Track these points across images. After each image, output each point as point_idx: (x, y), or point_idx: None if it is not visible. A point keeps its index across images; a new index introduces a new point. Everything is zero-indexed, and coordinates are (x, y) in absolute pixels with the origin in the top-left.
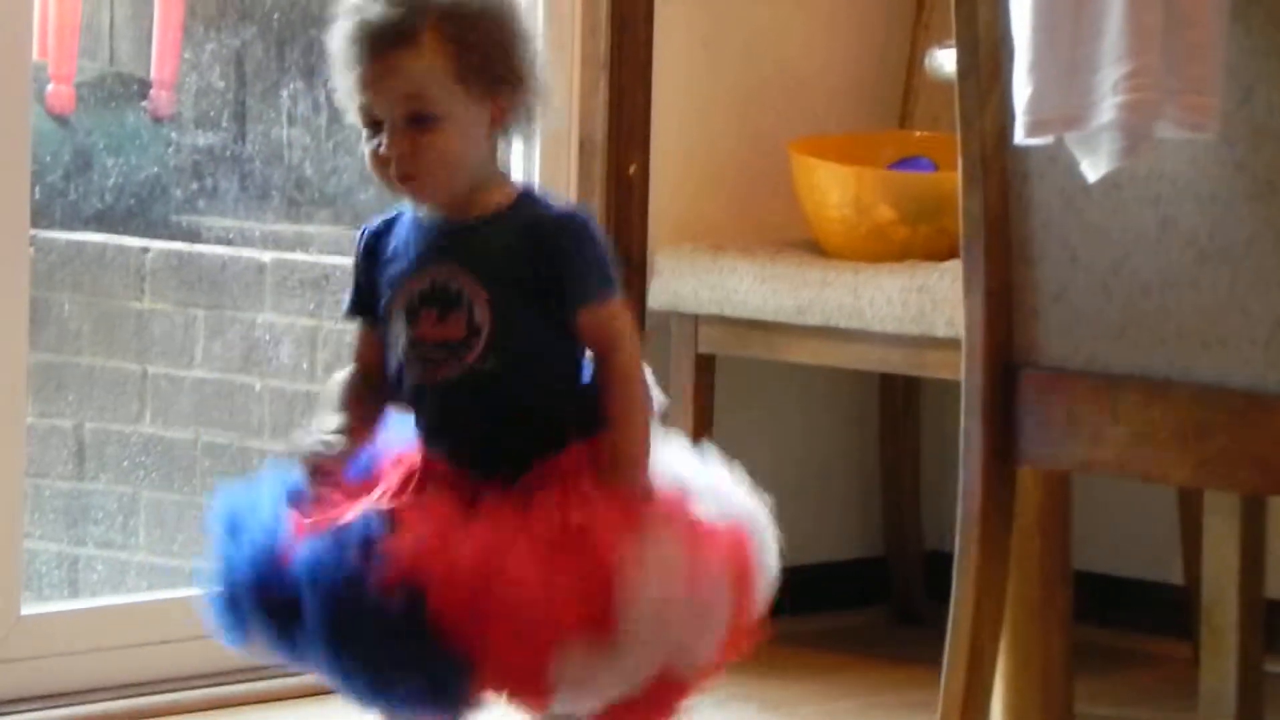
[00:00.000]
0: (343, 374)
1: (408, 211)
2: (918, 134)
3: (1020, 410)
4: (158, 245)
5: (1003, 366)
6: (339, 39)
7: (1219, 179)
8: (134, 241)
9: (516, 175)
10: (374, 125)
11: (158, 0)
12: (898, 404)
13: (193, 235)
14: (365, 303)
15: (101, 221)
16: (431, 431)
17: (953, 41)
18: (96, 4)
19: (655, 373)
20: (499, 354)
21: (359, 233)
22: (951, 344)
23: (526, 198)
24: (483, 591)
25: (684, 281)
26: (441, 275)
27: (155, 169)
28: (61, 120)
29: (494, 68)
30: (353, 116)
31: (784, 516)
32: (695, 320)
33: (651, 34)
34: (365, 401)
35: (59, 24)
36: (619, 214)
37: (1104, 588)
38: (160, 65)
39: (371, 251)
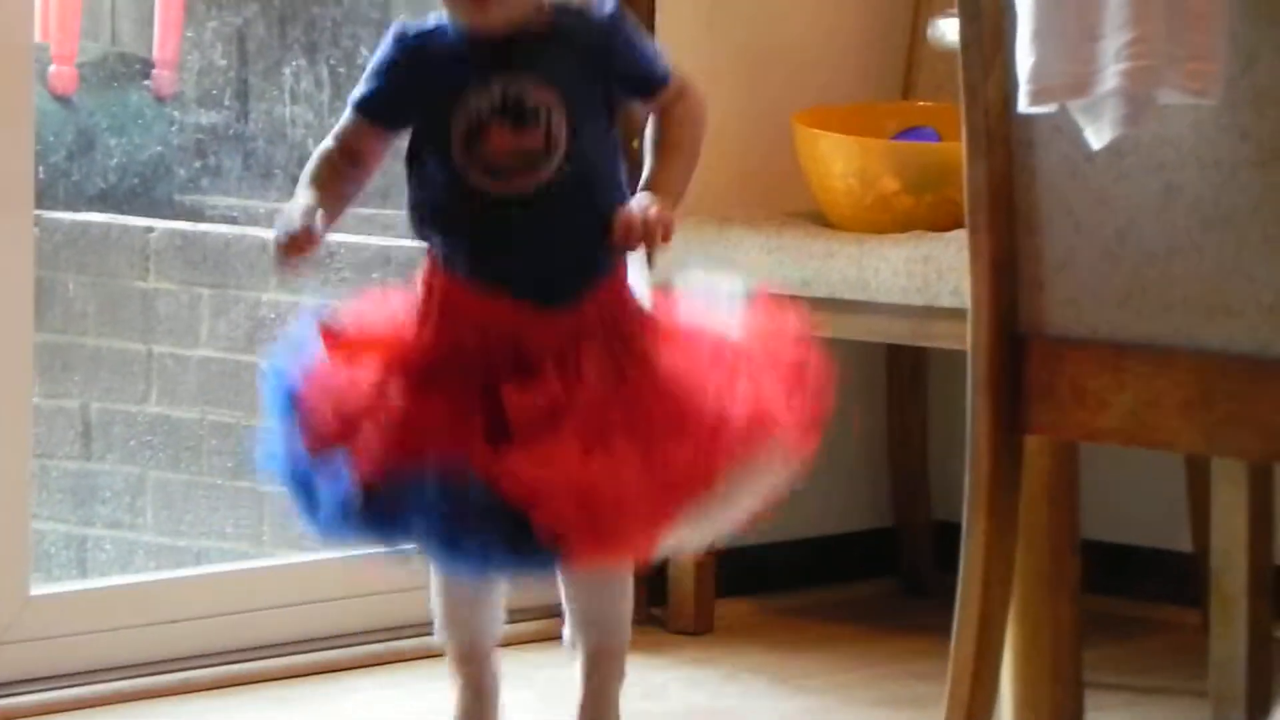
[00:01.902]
0: (323, 149)
1: (447, 26)
2: (921, 104)
3: (1026, 380)
4: (162, 225)
5: (1008, 336)
6: None
7: (1223, 145)
8: (138, 221)
9: None
10: None
11: None
12: (904, 375)
13: (196, 214)
14: (384, 109)
15: (105, 201)
16: (488, 250)
17: (955, 10)
18: None
19: None
20: (574, 165)
21: (396, 33)
22: (957, 314)
23: (561, 7)
24: (593, 516)
25: (689, 255)
26: (514, 87)
27: (158, 148)
28: (64, 101)
29: None
30: None
31: (792, 489)
32: None
33: (653, 6)
34: (343, 179)
35: (60, 5)
36: None
37: (1112, 556)
38: (162, 45)
39: (414, 61)
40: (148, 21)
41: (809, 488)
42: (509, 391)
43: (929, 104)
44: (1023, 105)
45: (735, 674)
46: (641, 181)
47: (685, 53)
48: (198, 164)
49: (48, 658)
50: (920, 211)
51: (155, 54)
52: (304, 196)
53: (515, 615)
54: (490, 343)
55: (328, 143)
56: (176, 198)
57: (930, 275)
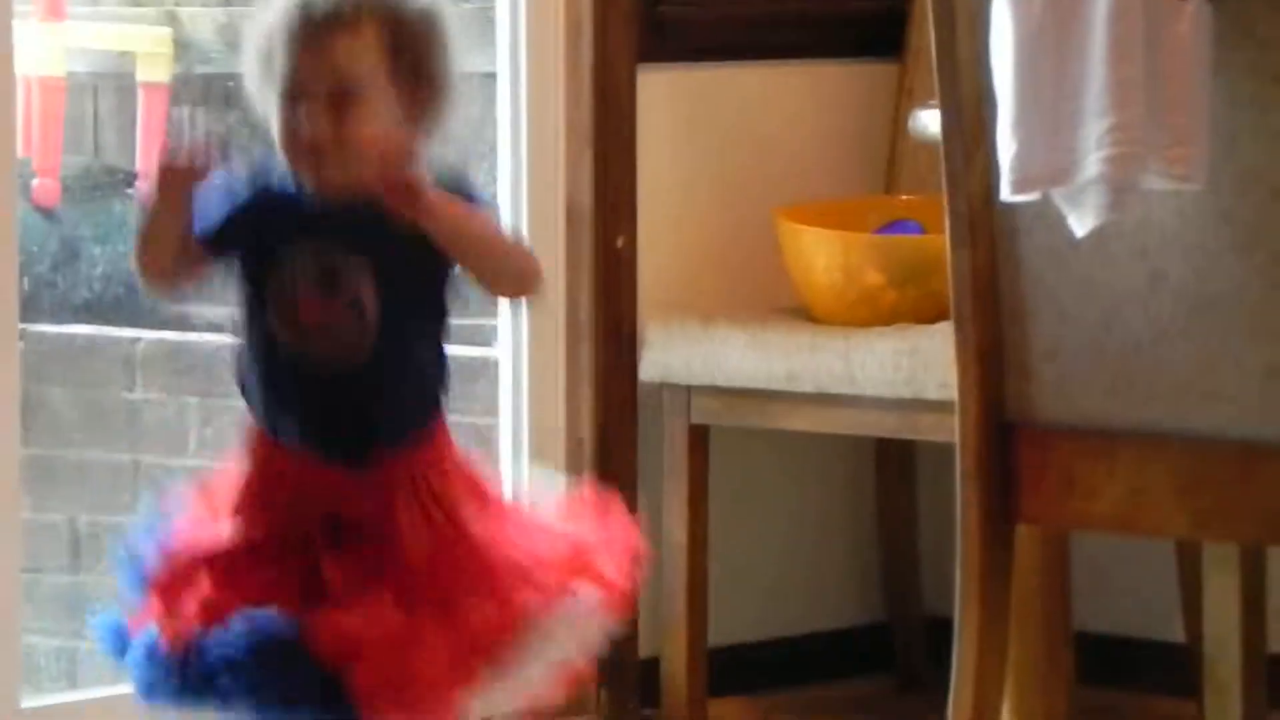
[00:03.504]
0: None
1: (287, 181)
2: (904, 198)
3: (1016, 469)
4: (148, 335)
5: (997, 426)
6: (277, 21)
7: (1206, 230)
8: (124, 332)
9: None
10: (294, 102)
11: (141, 90)
12: (893, 468)
13: (182, 323)
14: (226, 237)
15: (91, 311)
16: (302, 415)
17: (936, 102)
18: (80, 96)
19: (649, 445)
20: (384, 339)
21: (253, 173)
22: (945, 406)
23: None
24: (399, 684)
25: (675, 352)
26: (327, 255)
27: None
28: (47, 213)
29: (420, 75)
30: (266, 100)
31: (783, 585)
32: (688, 391)
33: (635, 104)
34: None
35: (42, 118)
36: (608, 286)
37: (1106, 648)
38: (146, 156)
39: (260, 205)
40: (130, 132)
41: (800, 584)
42: (327, 561)
43: (912, 197)
44: (1005, 194)
45: None
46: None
47: (666, 148)
48: None
49: None
50: (905, 305)
51: (139, 165)
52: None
53: None
54: (308, 511)
55: None
56: (162, 307)
57: (917, 368)
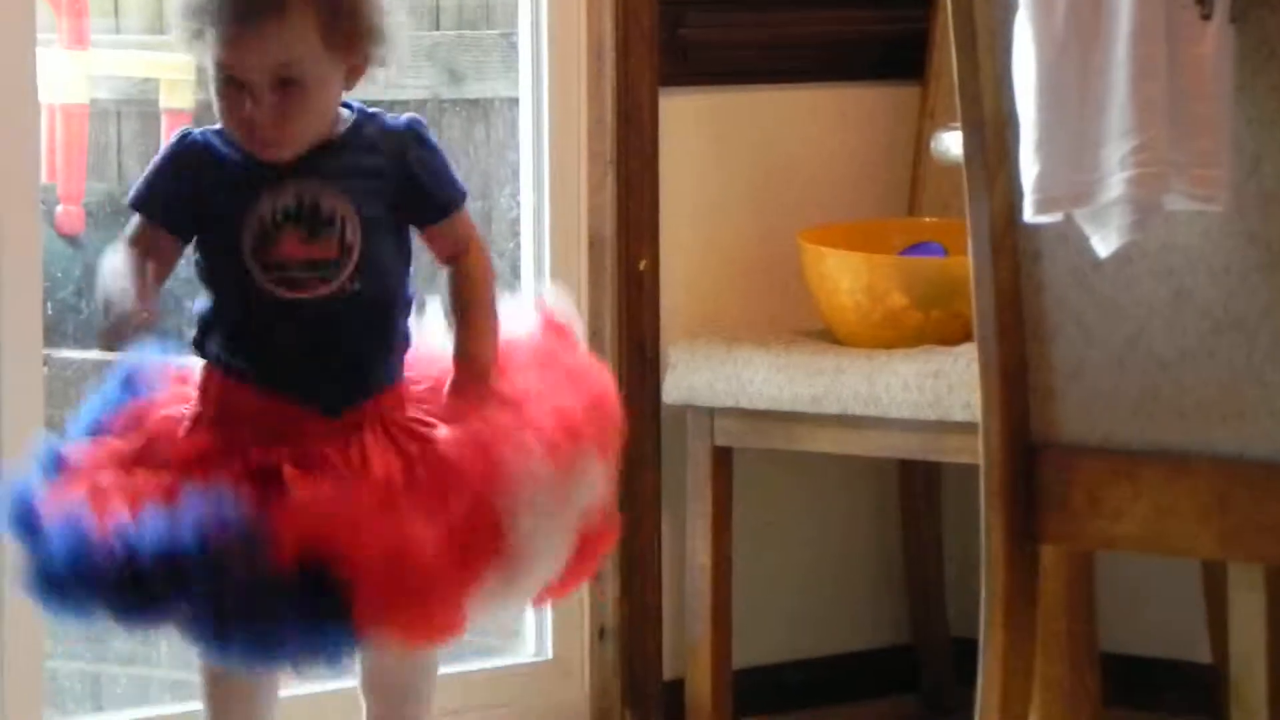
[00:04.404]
0: (132, 231)
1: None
2: (927, 220)
3: (1040, 490)
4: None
5: (1021, 446)
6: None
7: (1231, 250)
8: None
9: (527, 274)
10: (234, 88)
11: (165, 117)
12: (918, 490)
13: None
14: (160, 208)
15: None
16: (271, 356)
17: (958, 124)
18: (103, 123)
19: (673, 467)
20: (364, 277)
21: (180, 132)
22: (969, 428)
23: (363, 116)
24: (389, 565)
25: (699, 375)
26: (310, 193)
27: (166, 282)
28: (72, 240)
29: (356, 30)
30: (199, 59)
31: (808, 607)
32: (711, 413)
33: (657, 128)
34: (159, 260)
35: (66, 145)
36: (631, 309)
37: (1132, 669)
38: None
39: (197, 161)
40: (154, 158)
41: (825, 606)
42: (289, 471)
43: (934, 220)
44: (1028, 214)
45: None
46: (454, 349)
47: (691, 172)
48: None
49: None
50: (929, 326)
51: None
52: (128, 256)
53: None
54: (267, 438)
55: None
56: (185, 330)
57: (941, 390)
